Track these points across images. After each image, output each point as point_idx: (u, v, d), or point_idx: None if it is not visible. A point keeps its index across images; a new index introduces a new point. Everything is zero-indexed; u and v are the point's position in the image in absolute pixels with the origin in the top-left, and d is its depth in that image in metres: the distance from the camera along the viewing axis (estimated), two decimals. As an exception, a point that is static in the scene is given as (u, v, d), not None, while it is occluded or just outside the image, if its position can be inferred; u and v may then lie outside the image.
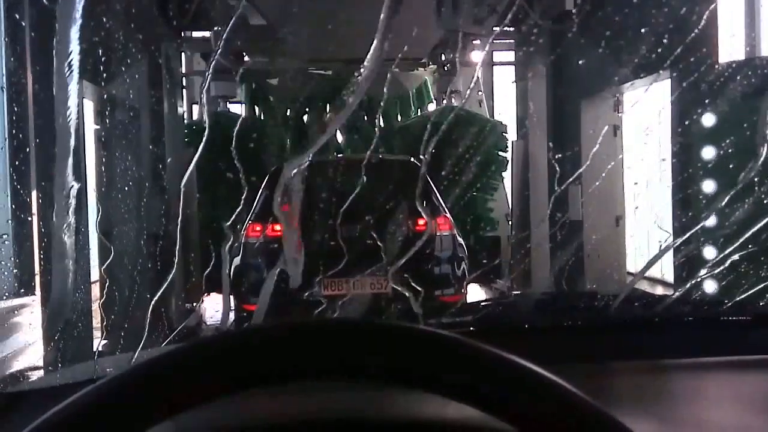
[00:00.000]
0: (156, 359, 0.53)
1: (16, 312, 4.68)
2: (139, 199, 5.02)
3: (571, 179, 5.63)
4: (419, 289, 5.86)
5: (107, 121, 4.78)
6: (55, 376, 1.67)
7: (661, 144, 7.05)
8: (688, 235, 4.30)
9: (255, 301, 5.56)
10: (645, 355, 1.13)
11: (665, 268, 6.99)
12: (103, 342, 4.75)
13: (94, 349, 4.22)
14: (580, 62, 5.76)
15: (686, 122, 4.42)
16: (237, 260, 5.82)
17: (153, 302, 4.66)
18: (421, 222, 5.85)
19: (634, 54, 4.87)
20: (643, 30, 4.62)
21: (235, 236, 5.87)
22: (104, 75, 4.36)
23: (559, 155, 6.05)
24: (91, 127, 4.74)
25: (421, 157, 7.41)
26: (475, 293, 8.94)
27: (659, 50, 4.41)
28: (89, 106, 4.73)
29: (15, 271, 5.20)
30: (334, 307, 5.31)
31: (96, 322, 5.16)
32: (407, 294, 5.65)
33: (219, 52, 7.35)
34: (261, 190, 5.94)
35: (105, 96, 4.61)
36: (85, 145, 3.84)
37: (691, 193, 4.71)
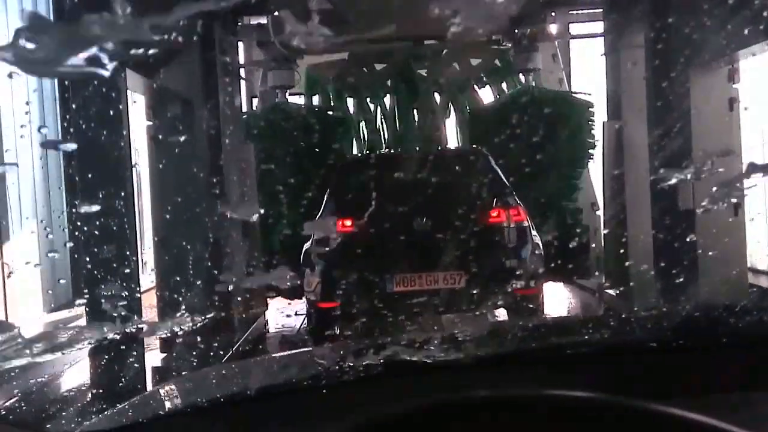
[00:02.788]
0: None
1: (68, 323, 4.65)
2: (197, 200, 4.88)
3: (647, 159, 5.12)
4: (492, 282, 5.70)
5: (163, 116, 4.65)
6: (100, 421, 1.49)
7: None
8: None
9: (328, 298, 5.63)
10: None
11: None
12: (162, 355, 4.65)
13: (148, 363, 4.09)
14: (688, 26, 5.21)
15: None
16: (308, 258, 5.86)
17: (214, 311, 4.52)
18: (493, 214, 5.83)
19: (756, 11, 4.33)
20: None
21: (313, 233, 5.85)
22: (156, 67, 4.21)
23: (663, 135, 5.55)
24: (143, 123, 4.63)
25: (494, 145, 7.27)
26: (560, 292, 8.49)
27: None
28: (141, 101, 4.61)
29: (63, 281, 5.21)
30: (408, 302, 5.43)
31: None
32: (480, 288, 5.45)
33: (276, 39, 7.19)
34: (331, 186, 5.97)
35: (157, 90, 4.47)
36: (131, 144, 3.70)
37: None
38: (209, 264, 5.06)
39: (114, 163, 3.22)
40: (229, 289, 4.93)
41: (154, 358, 4.63)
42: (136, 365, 3.52)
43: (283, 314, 7.72)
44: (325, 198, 6.09)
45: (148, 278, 5.72)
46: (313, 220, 6.15)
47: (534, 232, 6.10)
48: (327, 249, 5.76)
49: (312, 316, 6.01)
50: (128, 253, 3.36)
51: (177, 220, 4.49)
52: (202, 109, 5.24)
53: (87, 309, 3.41)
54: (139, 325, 3.57)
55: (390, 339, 1.34)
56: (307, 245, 5.91)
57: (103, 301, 3.16)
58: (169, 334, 4.53)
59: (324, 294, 5.67)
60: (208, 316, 4.26)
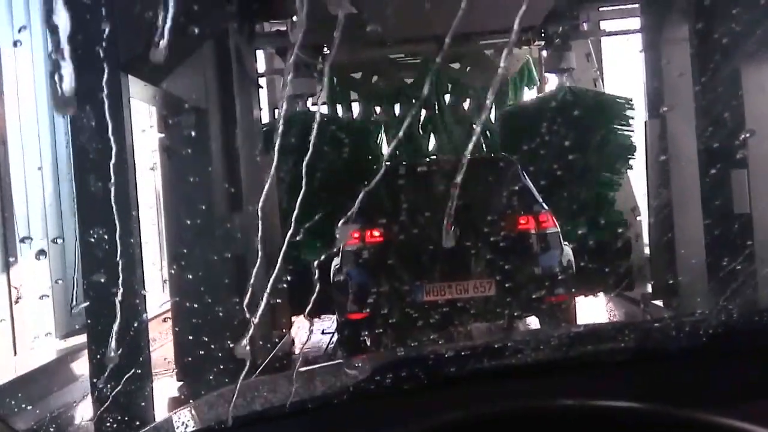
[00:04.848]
0: None
1: (81, 351, 4.48)
2: (215, 215, 4.67)
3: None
4: (523, 289, 5.62)
5: (176, 127, 4.46)
6: None
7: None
8: None
9: (358, 310, 5.70)
10: None
11: None
12: (179, 383, 4.43)
13: (165, 391, 3.89)
14: (737, 16, 4.88)
15: None
16: (337, 269, 5.95)
17: (235, 333, 4.29)
18: (522, 221, 5.88)
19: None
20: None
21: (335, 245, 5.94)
22: (167, 76, 4.03)
23: (714, 133, 5.22)
24: (155, 135, 4.45)
25: (526, 151, 7.08)
26: (602, 303, 8.14)
27: None
28: (150, 112, 4.43)
29: (82, 305, 5.05)
30: (439, 312, 5.44)
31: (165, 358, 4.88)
32: (510, 296, 5.35)
33: (297, 45, 7.00)
34: (359, 196, 5.87)
35: (170, 100, 4.28)
36: (134, 157, 3.50)
37: None
38: (229, 281, 4.85)
39: (116, 180, 3.03)
40: (251, 308, 4.69)
41: (170, 385, 4.43)
42: (144, 392, 3.32)
43: (310, 333, 7.52)
44: (354, 208, 6.01)
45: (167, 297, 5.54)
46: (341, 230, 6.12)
47: (564, 241, 6.06)
48: (356, 260, 5.79)
49: (343, 327, 6.06)
50: (133, 276, 3.16)
51: (193, 236, 4.27)
52: (219, 120, 5.06)
53: (89, 336, 3.21)
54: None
55: (425, 350, 1.36)
56: (336, 258, 5.93)
57: (105, 327, 2.96)
58: (184, 360, 4.32)
59: (354, 305, 5.68)
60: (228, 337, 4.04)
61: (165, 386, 4.45)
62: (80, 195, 3.26)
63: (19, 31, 4.99)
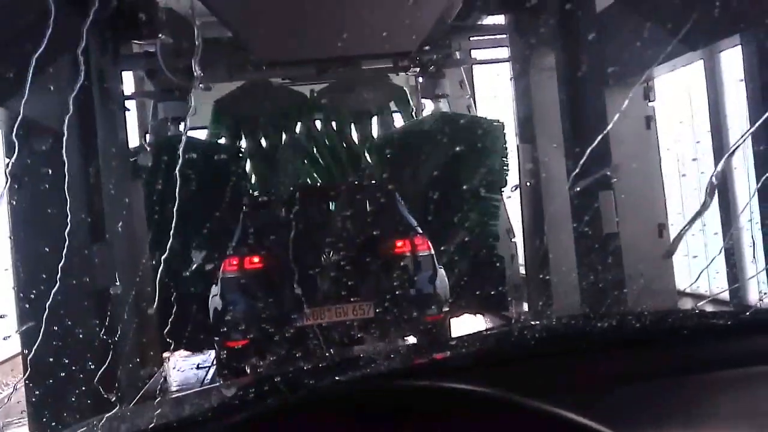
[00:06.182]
0: None
1: None
2: (71, 249, 4.23)
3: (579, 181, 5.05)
4: (400, 310, 5.77)
5: (26, 152, 4.01)
6: None
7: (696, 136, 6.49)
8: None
9: (238, 337, 5.64)
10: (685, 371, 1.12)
11: (714, 283, 6.40)
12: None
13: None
14: (599, 45, 5.14)
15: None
16: (216, 297, 5.88)
17: (98, 374, 3.90)
18: (398, 245, 6.07)
19: (672, 24, 4.26)
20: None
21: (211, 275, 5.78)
22: (13, 95, 3.62)
23: (581, 157, 5.43)
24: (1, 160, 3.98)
25: (396, 178, 7.18)
26: (479, 324, 8.26)
27: (709, 17, 3.79)
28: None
29: None
30: (318, 335, 5.46)
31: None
32: (389, 317, 5.47)
33: (165, 68, 6.66)
34: (237, 224, 5.84)
35: (19, 122, 3.84)
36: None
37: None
38: (91, 321, 4.40)
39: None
40: (114, 345, 4.29)
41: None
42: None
43: (183, 369, 7.08)
44: (236, 235, 5.89)
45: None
46: (216, 260, 6.00)
47: (438, 264, 6.23)
48: (235, 286, 5.75)
49: (221, 355, 5.97)
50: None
51: (45, 272, 3.80)
52: (77, 144, 4.61)
53: None
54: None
55: (291, 369, 1.38)
56: (215, 287, 5.87)
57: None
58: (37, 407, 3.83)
59: (234, 332, 5.65)
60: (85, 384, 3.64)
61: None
62: None
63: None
